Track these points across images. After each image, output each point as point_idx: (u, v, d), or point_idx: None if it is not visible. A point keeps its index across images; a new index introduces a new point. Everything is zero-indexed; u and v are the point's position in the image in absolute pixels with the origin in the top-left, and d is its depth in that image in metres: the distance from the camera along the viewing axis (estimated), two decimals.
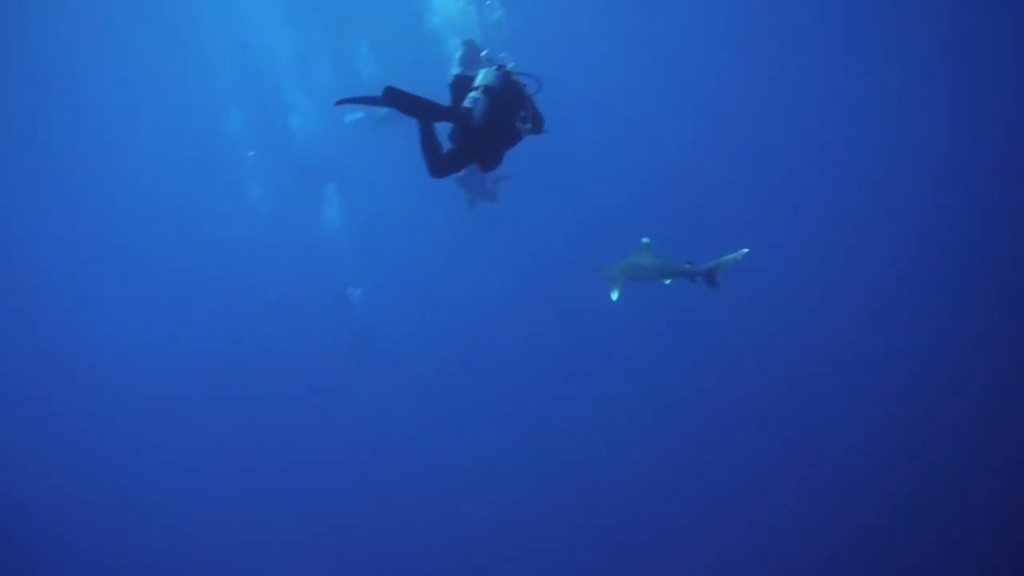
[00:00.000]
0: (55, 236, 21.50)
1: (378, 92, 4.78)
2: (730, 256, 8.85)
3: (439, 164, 5.14)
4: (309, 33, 20.69)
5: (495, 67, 5.25)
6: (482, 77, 5.14)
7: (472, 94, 5.06)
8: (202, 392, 19.23)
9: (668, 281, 9.48)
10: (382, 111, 4.52)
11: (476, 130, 5.01)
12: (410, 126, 5.14)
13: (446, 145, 5.26)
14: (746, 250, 8.82)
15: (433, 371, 19.01)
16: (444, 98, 5.34)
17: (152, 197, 21.86)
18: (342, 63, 19.44)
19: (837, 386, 17.37)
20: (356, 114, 16.16)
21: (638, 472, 16.81)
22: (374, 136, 15.92)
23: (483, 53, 8.88)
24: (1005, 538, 14.40)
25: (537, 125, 5.31)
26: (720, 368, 18.01)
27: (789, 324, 17.96)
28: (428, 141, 5.09)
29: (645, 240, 9.45)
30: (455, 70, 8.75)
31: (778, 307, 17.85)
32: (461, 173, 5.64)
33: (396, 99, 4.78)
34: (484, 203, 12.05)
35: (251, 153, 21.09)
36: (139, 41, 21.22)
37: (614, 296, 9.34)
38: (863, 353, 17.57)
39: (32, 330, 20.45)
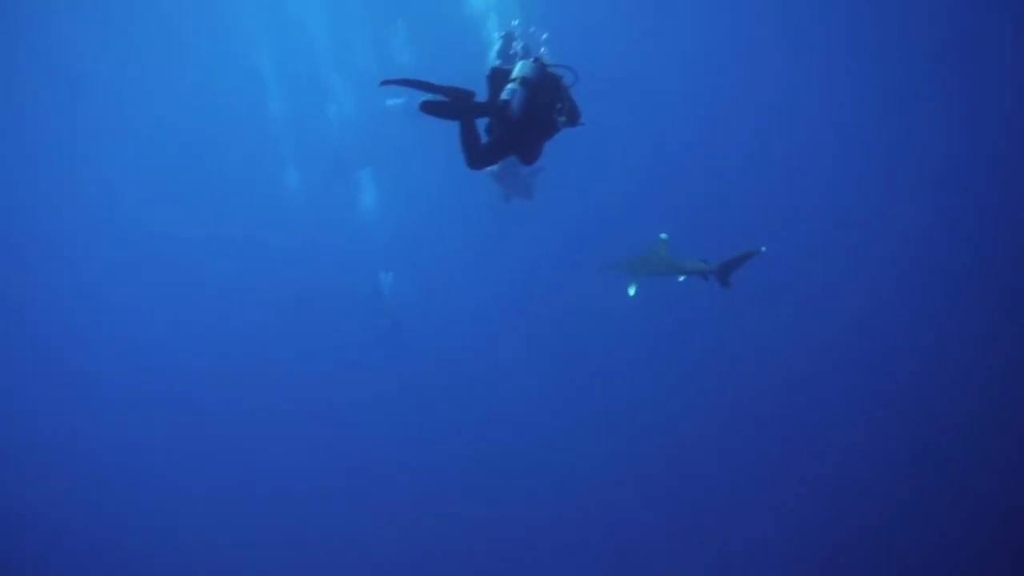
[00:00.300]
0: (82, 225, 21.29)
1: (421, 76, 4.85)
2: (744, 253, 8.85)
3: (477, 156, 5.12)
4: (347, 11, 20.48)
5: (532, 59, 5.25)
6: (519, 69, 5.14)
7: (509, 86, 5.05)
8: (223, 386, 19.07)
9: (682, 278, 9.52)
10: (423, 97, 4.57)
11: (514, 122, 5.01)
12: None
13: (484, 137, 5.23)
14: (764, 248, 8.76)
15: (451, 367, 18.93)
16: (480, 86, 5.33)
17: (188, 184, 21.58)
18: (380, 44, 19.41)
19: (837, 386, 17.37)
20: (397, 99, 15.95)
21: (639, 472, 16.73)
22: (414, 123, 15.66)
23: (516, 43, 8.78)
24: (1005, 538, 14.43)
25: (573, 117, 5.32)
26: (720, 368, 17.95)
27: (789, 324, 17.93)
28: (467, 133, 5.08)
29: (663, 236, 9.48)
30: (493, 62, 8.64)
31: (778, 307, 17.80)
32: (497, 167, 5.58)
33: (434, 111, 4.89)
34: (519, 199, 11.85)
35: (290, 136, 21.15)
36: (175, 24, 21.07)
37: (631, 291, 9.41)
38: (863, 353, 17.57)
39: (64, 322, 20.31)
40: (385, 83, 4.95)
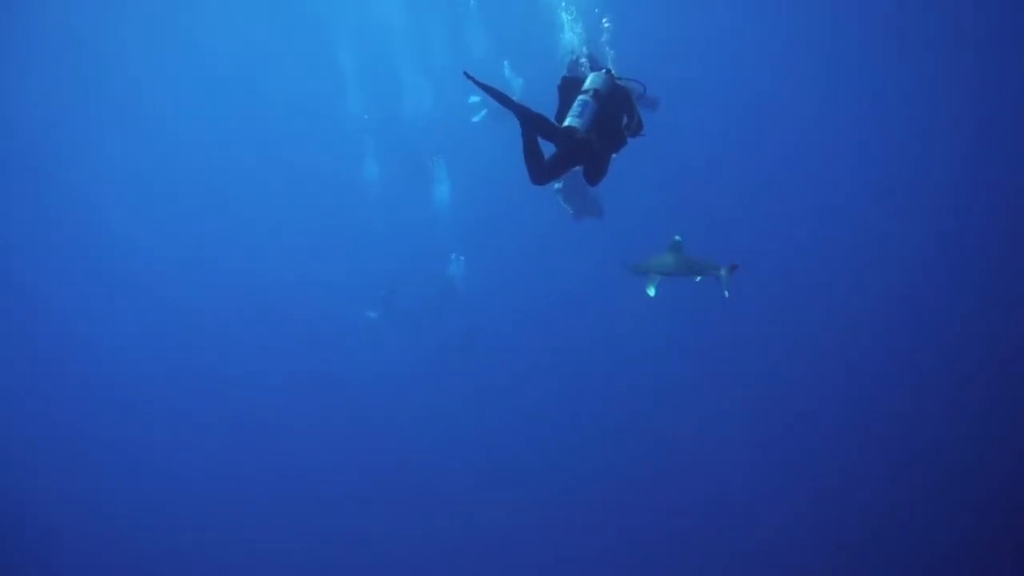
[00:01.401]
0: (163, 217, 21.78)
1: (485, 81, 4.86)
2: (732, 264, 9.37)
3: (541, 171, 5.08)
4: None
5: (603, 71, 5.27)
6: (591, 81, 5.16)
7: (581, 98, 5.06)
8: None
9: (699, 278, 9.83)
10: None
11: (585, 135, 5.01)
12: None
13: (549, 150, 5.19)
14: (736, 264, 9.36)
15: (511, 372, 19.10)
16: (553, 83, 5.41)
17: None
18: (455, 26, 19.71)
19: (838, 387, 17.45)
20: (477, 96, 16.26)
21: (641, 473, 16.67)
22: (496, 123, 15.87)
23: (581, 59, 8.79)
24: (1005, 538, 14.53)
25: (636, 129, 5.37)
26: (723, 371, 17.93)
27: (791, 327, 17.97)
28: (530, 147, 5.02)
29: (677, 238, 9.67)
30: (564, 73, 8.60)
31: (781, 311, 17.84)
32: (561, 184, 5.53)
33: (525, 119, 4.88)
34: (590, 219, 11.69)
35: (366, 116, 21.23)
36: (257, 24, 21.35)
37: (651, 292, 9.56)
38: (865, 354, 17.66)
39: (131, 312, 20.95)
40: (468, 76, 4.94)
